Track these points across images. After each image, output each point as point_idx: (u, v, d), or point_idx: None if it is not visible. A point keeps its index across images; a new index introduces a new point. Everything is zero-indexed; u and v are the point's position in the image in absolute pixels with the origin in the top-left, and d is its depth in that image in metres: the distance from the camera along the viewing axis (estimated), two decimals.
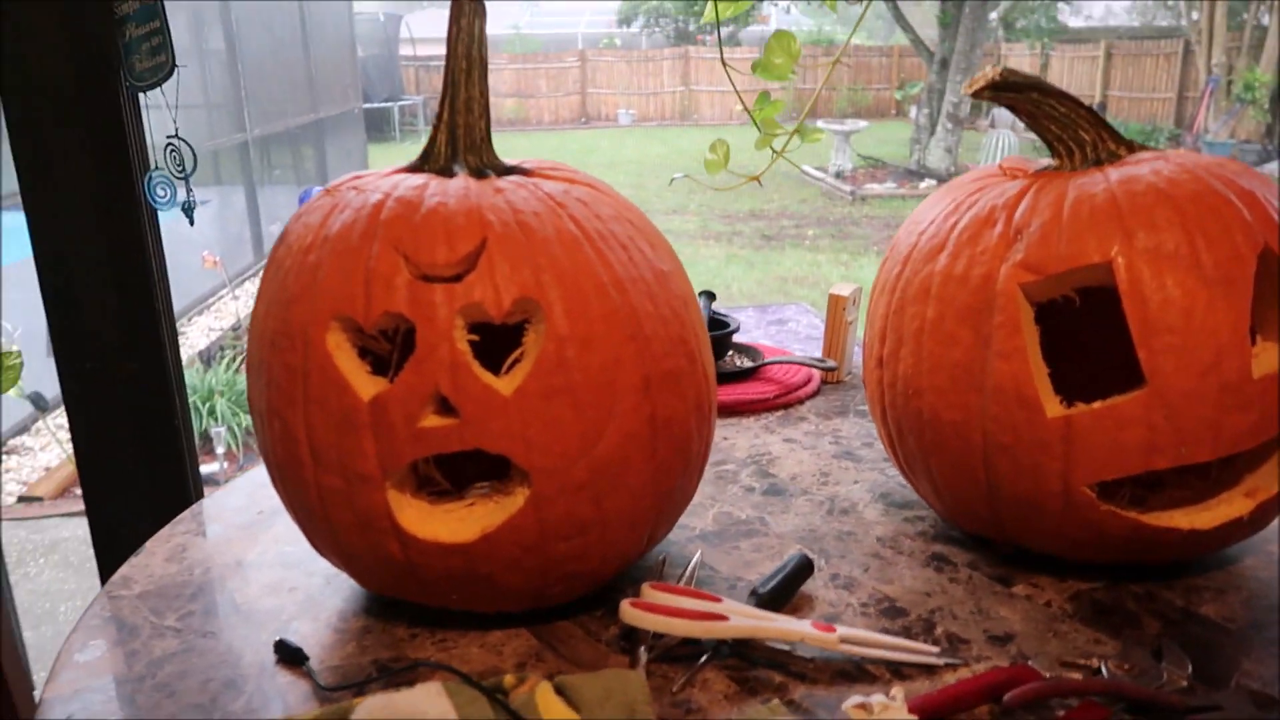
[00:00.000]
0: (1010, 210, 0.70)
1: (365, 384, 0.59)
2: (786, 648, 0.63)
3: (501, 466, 0.62)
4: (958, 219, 0.73)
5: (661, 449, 0.64)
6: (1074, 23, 16.44)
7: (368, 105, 12.65)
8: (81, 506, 3.38)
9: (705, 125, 15.76)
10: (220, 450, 3.36)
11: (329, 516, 0.62)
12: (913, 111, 12.46)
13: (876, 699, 0.55)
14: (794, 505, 0.87)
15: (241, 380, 3.89)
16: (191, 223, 1.08)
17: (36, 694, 0.95)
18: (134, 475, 1.22)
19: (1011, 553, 0.76)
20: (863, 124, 10.49)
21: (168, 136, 1.08)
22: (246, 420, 3.67)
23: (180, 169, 1.08)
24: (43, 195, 1.10)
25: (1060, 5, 16.09)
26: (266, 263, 0.66)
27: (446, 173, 0.66)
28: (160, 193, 1.09)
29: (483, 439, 0.58)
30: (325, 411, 0.59)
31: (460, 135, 0.68)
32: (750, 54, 16.39)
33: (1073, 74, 14.50)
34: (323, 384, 0.59)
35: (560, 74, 16.20)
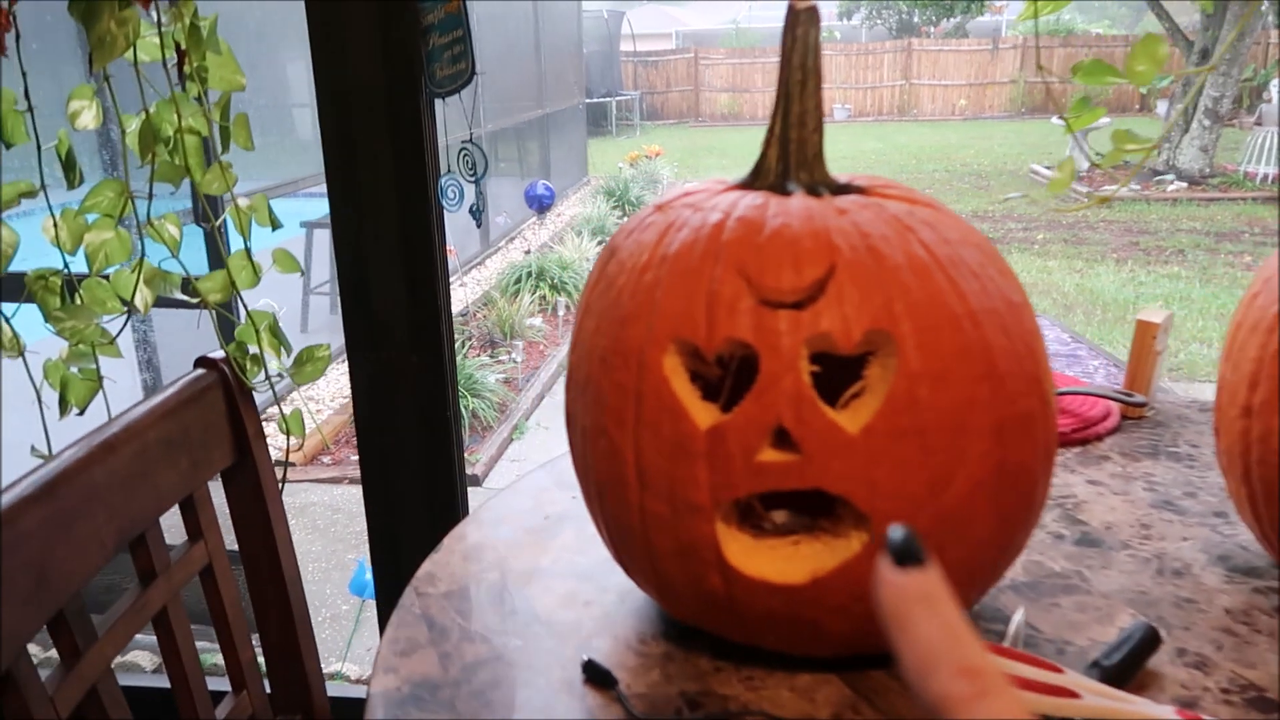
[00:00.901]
0: None
1: (701, 411, 0.57)
2: None
3: (815, 499, 0.59)
4: None
5: (1007, 499, 0.58)
6: None
7: (588, 100, 13.05)
8: (330, 474, 3.65)
9: (924, 120, 15.17)
10: None
11: (650, 541, 0.60)
12: (1160, 106, 11.46)
13: None
14: (1115, 560, 0.78)
15: (469, 365, 4.09)
16: (479, 225, 1.11)
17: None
18: (406, 455, 1.28)
19: None
20: (1105, 120, 9.72)
21: (462, 141, 1.11)
22: (474, 403, 3.85)
23: (472, 173, 1.12)
24: (347, 193, 1.17)
25: None
26: (593, 277, 0.65)
27: (779, 190, 0.63)
28: (450, 195, 1.13)
29: (824, 478, 0.55)
30: (658, 436, 0.57)
31: (793, 151, 0.65)
32: (979, 46, 15.63)
33: None
34: (657, 407, 0.57)
35: (772, 69, 16.05)
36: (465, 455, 3.54)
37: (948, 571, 0.58)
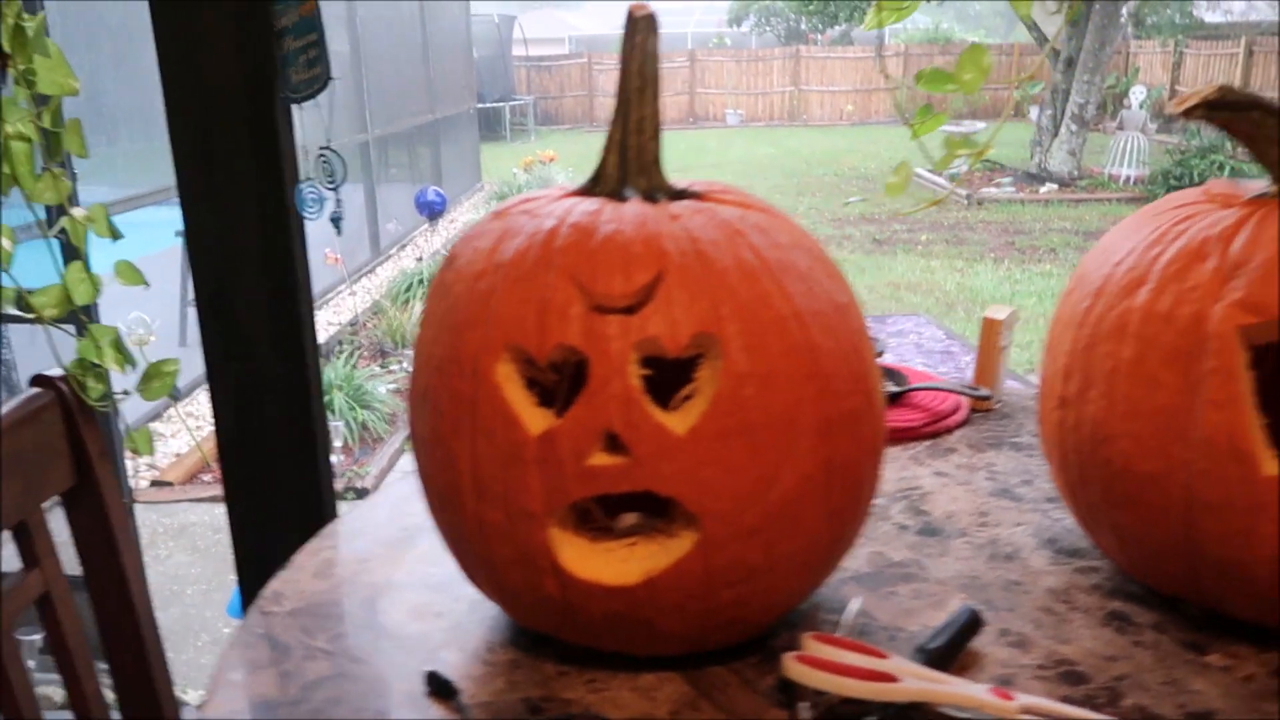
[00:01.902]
0: (1225, 243, 0.64)
1: (534, 418, 0.57)
2: (962, 716, 0.59)
3: (656, 500, 0.60)
4: (1161, 250, 0.67)
5: (836, 494, 0.60)
6: (1210, 18, 15.58)
7: (481, 105, 12.92)
8: (210, 492, 3.50)
9: (814, 126, 15.54)
10: (337, 444, 3.46)
11: (488, 550, 0.60)
12: (1033, 112, 11.99)
13: None
14: (952, 548, 0.82)
15: (358, 375, 4.00)
16: (339, 233, 1.09)
17: (176, 688, 0.98)
18: (272, 469, 1.24)
19: (1200, 614, 0.70)
20: (980, 125, 10.16)
21: (320, 148, 1.09)
22: (363, 415, 3.77)
23: (330, 179, 1.09)
24: (201, 199, 1.13)
25: (1199, 1, 15.26)
26: (433, 286, 0.65)
27: (617, 196, 0.64)
28: (310, 203, 1.11)
29: (654, 480, 0.56)
30: (492, 444, 0.57)
31: (632, 157, 0.66)
32: (863, 54, 16.07)
33: (1208, 73, 13.72)
34: (491, 415, 0.57)
35: (669, 74, 16.20)
36: (356, 468, 3.47)
37: (778, 566, 0.60)
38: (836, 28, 16.04)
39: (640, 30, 0.66)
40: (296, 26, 1.06)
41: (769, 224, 0.63)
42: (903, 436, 1.04)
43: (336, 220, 1.11)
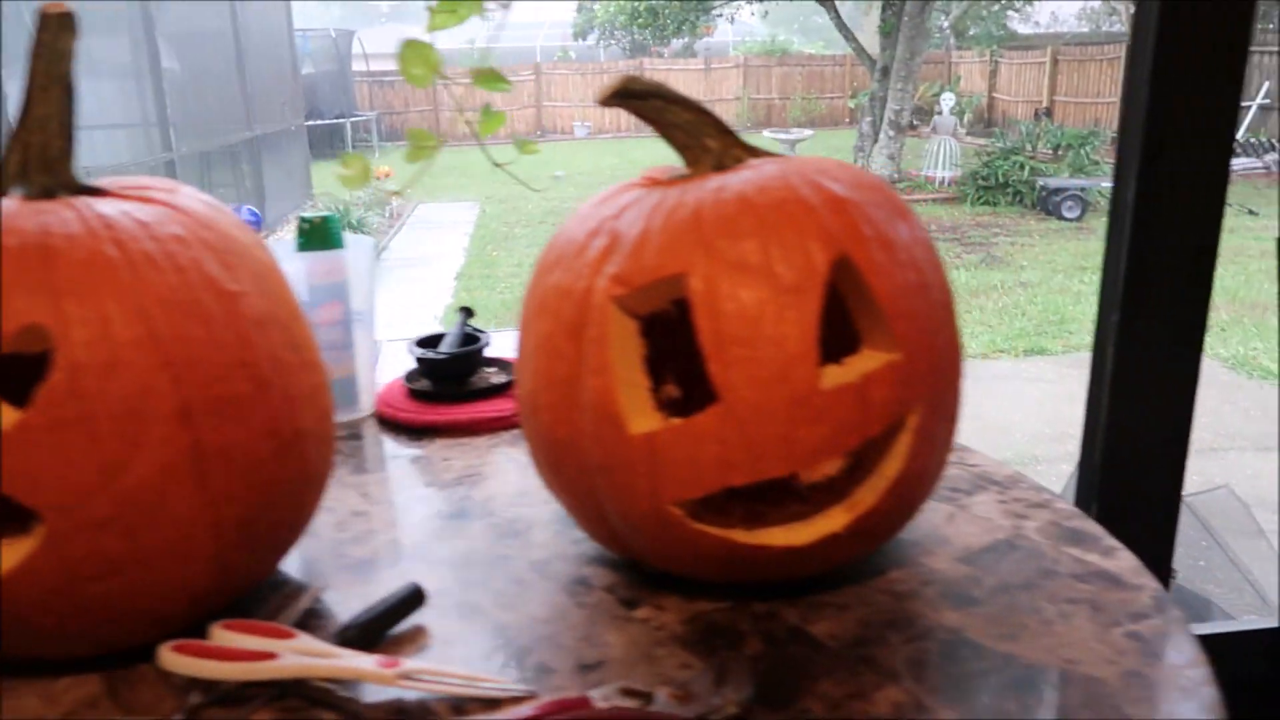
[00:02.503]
0: (614, 221, 0.68)
1: None
2: (342, 690, 0.60)
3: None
4: (577, 231, 0.70)
5: (216, 479, 0.61)
6: (1023, 29, 16.67)
7: (319, 122, 12.58)
8: None
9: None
10: None
11: None
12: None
13: None
14: (469, 529, 0.84)
15: None
16: None
17: None
18: None
19: (657, 573, 0.74)
20: (808, 133, 10.56)
21: None
22: None
23: None
24: None
25: (1010, 13, 16.29)
26: None
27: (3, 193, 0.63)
28: None
29: None
30: None
31: (34, 153, 0.65)
32: (704, 66, 16.43)
33: (1021, 80, 14.69)
34: None
35: (516, 88, 16.18)
36: None
37: (150, 556, 0.60)
38: (679, 40, 16.38)
39: (50, 28, 0.66)
40: None
41: (158, 217, 0.63)
42: (495, 425, 1.06)
43: None
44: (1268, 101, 11.18)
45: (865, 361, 0.63)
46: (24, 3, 4.82)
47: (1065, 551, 0.77)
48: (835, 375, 0.62)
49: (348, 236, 1.11)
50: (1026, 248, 7.59)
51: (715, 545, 0.65)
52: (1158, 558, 1.46)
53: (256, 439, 0.63)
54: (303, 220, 1.07)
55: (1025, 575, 0.73)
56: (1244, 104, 11.55)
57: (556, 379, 0.67)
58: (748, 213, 0.63)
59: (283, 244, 1.11)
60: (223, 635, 0.63)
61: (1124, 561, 0.75)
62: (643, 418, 0.64)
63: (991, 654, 0.64)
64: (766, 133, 11.22)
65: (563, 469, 0.69)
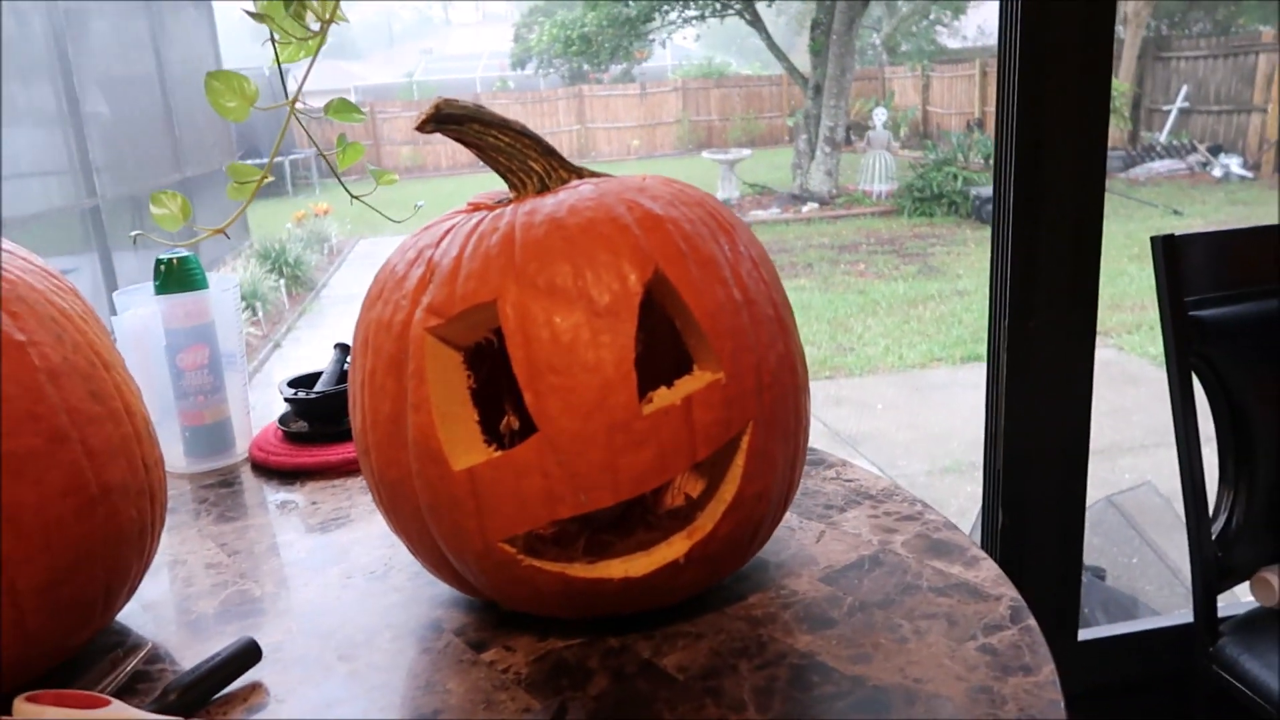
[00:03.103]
0: (433, 250, 0.65)
1: None
2: None
3: None
4: (399, 261, 0.68)
5: (5, 542, 0.57)
6: (952, 44, 17.05)
7: (258, 161, 12.40)
8: None
9: (604, 161, 15.86)
10: None
11: None
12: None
13: None
14: (324, 576, 0.80)
15: None
16: None
17: None
18: None
19: (510, 613, 0.71)
20: (746, 152, 10.66)
21: None
22: None
23: None
24: None
25: (939, 28, 16.67)
26: None
27: None
28: None
29: None
30: None
31: None
32: (642, 90, 16.55)
33: (953, 93, 14.99)
34: None
35: None
36: None
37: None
38: (617, 66, 16.49)
39: None
40: None
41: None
42: None
43: None
44: (1187, 105, 11.54)
45: (691, 383, 0.61)
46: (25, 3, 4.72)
47: (929, 564, 0.75)
48: (662, 398, 0.60)
49: (212, 277, 1.07)
50: (962, 256, 7.71)
51: (551, 581, 0.62)
52: (1068, 557, 1.46)
53: (52, 498, 0.59)
54: (159, 261, 1.04)
55: (885, 592, 0.72)
56: (1165, 108, 11.93)
57: (382, 417, 0.65)
58: (558, 235, 0.61)
59: (140, 289, 1.07)
60: (25, 709, 0.58)
61: (985, 572, 0.74)
62: (466, 453, 0.61)
63: (841, 677, 0.62)
64: (705, 154, 11.31)
65: (398, 511, 0.66)
